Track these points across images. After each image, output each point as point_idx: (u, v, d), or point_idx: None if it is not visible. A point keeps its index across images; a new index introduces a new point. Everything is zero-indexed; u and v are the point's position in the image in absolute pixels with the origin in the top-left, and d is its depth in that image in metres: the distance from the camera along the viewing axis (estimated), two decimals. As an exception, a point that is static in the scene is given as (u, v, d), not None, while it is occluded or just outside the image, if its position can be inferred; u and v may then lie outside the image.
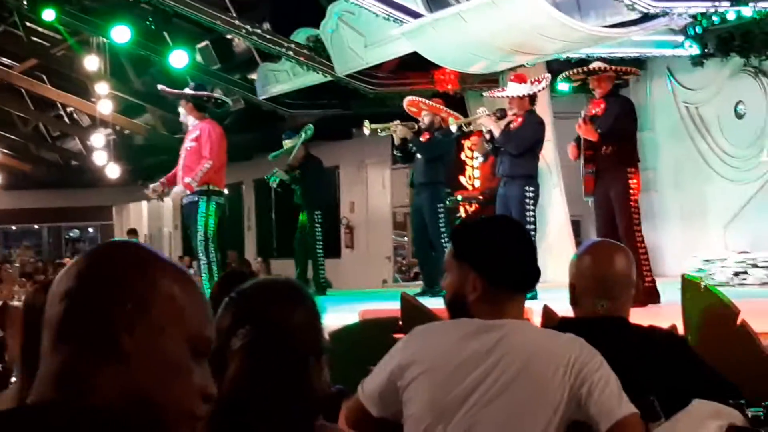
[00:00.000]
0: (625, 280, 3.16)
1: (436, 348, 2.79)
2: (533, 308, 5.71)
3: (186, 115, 9.63)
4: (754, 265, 10.29)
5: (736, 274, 10.39)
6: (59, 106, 23.11)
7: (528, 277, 2.85)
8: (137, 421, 1.38)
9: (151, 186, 9.88)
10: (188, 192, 9.40)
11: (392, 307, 6.31)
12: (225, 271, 4.55)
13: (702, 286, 4.81)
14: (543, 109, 10.34)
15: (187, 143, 9.51)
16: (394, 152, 10.78)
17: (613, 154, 8.11)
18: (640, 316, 3.30)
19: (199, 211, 9.37)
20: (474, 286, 2.80)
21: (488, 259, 2.83)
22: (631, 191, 8.09)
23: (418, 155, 10.43)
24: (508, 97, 9.29)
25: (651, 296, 7.73)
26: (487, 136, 9.52)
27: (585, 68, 8.54)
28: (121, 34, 14.38)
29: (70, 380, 1.38)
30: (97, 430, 1.35)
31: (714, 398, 2.61)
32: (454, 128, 10.41)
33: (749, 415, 2.12)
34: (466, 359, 2.72)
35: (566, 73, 8.86)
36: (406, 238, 18.24)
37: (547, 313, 4.92)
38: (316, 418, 2.16)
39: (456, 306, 2.87)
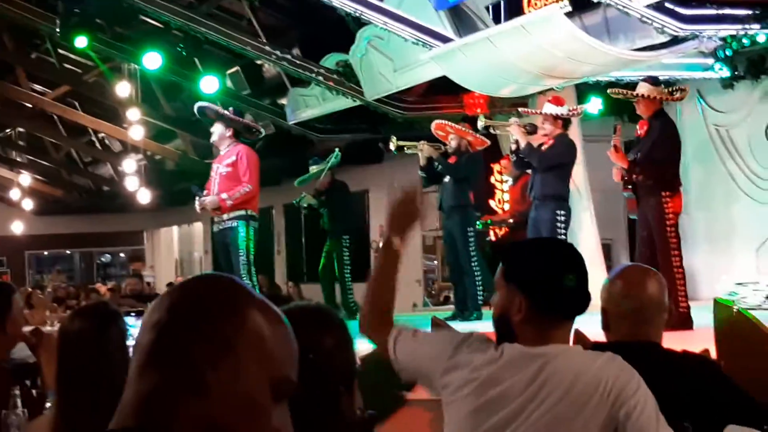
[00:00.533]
0: (657, 304, 3.15)
1: (483, 367, 2.80)
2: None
3: (221, 138, 9.64)
4: (788, 289, 10.21)
5: (769, 297, 10.31)
6: (91, 132, 23.30)
7: (575, 303, 2.84)
8: None
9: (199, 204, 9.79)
10: (220, 209, 9.41)
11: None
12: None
13: (734, 310, 4.79)
14: (573, 132, 10.32)
15: (222, 168, 9.52)
16: (419, 173, 10.78)
17: (647, 179, 8.05)
18: (672, 341, 3.28)
19: (240, 236, 9.40)
20: (519, 308, 2.81)
21: (535, 282, 2.83)
22: (667, 215, 7.98)
23: (446, 179, 10.43)
24: (542, 114, 9.27)
25: (685, 322, 7.68)
26: (513, 147, 9.53)
27: (633, 93, 8.37)
28: (152, 60, 14.52)
29: (152, 409, 1.41)
30: None
31: (747, 424, 2.61)
32: (480, 125, 10.39)
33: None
34: (510, 387, 2.73)
35: (614, 90, 8.76)
36: (435, 262, 18.22)
37: (579, 337, 4.91)
38: None
39: (502, 325, 2.88)
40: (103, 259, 29.61)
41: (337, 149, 12.35)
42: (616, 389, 2.66)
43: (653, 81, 8.54)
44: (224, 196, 9.34)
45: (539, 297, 2.80)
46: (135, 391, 1.43)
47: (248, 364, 1.43)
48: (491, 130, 11.00)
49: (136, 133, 18.31)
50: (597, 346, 3.33)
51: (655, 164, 8.08)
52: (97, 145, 24.42)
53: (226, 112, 9.84)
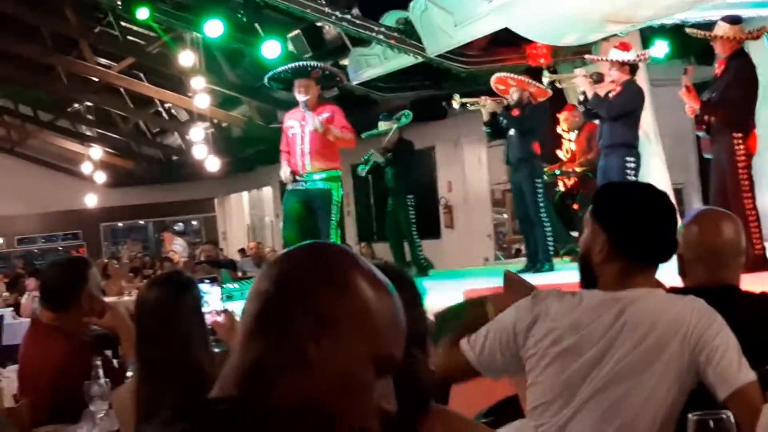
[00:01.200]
0: (734, 248, 3.10)
1: (562, 316, 2.78)
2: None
3: (314, 95, 9.58)
4: None
5: None
6: (157, 102, 23.51)
7: (657, 248, 2.82)
8: (311, 428, 1.41)
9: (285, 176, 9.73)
10: (325, 131, 9.37)
11: (495, 285, 6.30)
12: None
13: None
14: (640, 77, 10.16)
15: (314, 124, 9.39)
16: (483, 128, 10.71)
17: (719, 120, 7.90)
18: (749, 283, 3.23)
19: (333, 200, 9.43)
20: (602, 248, 2.80)
21: (618, 221, 2.82)
22: (738, 157, 7.82)
23: (511, 132, 10.35)
24: (609, 61, 9.13)
25: (761, 263, 7.56)
26: (581, 98, 9.44)
27: (711, 33, 8.18)
28: (213, 28, 14.56)
29: (254, 379, 1.43)
30: (273, 431, 1.40)
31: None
32: (545, 81, 10.30)
33: None
34: (592, 330, 2.72)
35: (691, 30, 8.56)
36: (505, 215, 18.16)
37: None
38: (427, 406, 2.15)
39: (584, 266, 2.87)
40: (176, 227, 29.95)
41: (407, 110, 12.33)
42: (697, 332, 2.64)
43: (731, 20, 8.29)
44: (336, 131, 9.40)
45: (621, 237, 2.78)
46: (239, 359, 1.45)
47: (352, 340, 1.42)
48: (557, 84, 10.89)
49: (202, 101, 18.41)
50: (673, 292, 3.30)
51: (728, 105, 7.90)
52: (164, 115, 24.64)
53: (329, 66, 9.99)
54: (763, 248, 7.85)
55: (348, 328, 1.41)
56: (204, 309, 3.57)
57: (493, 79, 10.77)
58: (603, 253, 2.79)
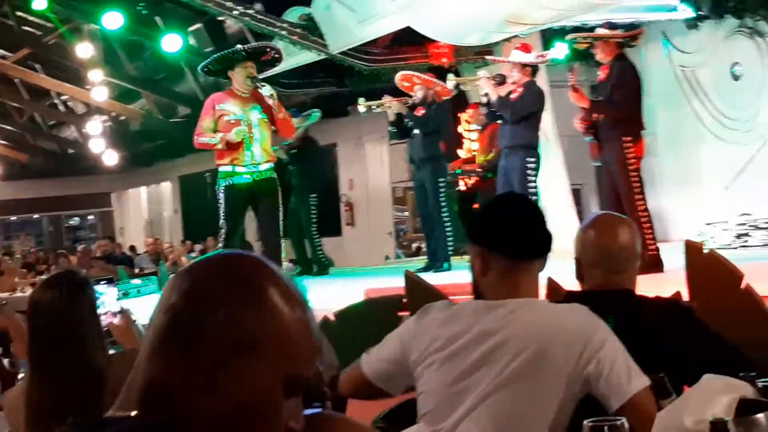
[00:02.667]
0: (629, 252, 3.14)
1: (447, 326, 2.79)
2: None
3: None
4: (756, 227, 10.29)
5: (738, 236, 10.39)
6: (54, 94, 23.05)
7: (529, 243, 2.83)
8: None
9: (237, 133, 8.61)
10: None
11: (396, 283, 6.33)
12: None
13: (705, 251, 4.81)
14: (540, 78, 10.29)
15: (260, 113, 8.73)
16: (389, 129, 10.74)
17: (609, 123, 8.03)
18: (644, 284, 3.28)
19: (279, 191, 8.91)
20: (478, 261, 2.82)
21: (485, 229, 2.85)
22: (629, 161, 7.96)
23: (415, 131, 10.39)
24: (511, 63, 9.24)
25: (655, 265, 7.71)
26: (484, 100, 9.52)
27: (591, 34, 8.41)
28: (112, 20, 14.33)
29: (156, 398, 1.35)
30: None
31: (725, 370, 2.60)
32: (450, 85, 10.36)
33: (759, 386, 2.11)
34: (473, 338, 2.72)
35: (573, 35, 8.74)
36: (406, 213, 18.24)
37: (552, 286, 4.92)
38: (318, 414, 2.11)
39: (475, 288, 2.89)
40: (71, 222, 29.42)
41: (316, 108, 12.29)
42: (581, 342, 2.62)
43: (610, 25, 8.54)
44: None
45: (484, 239, 2.82)
46: (142, 375, 1.37)
47: (264, 362, 1.35)
48: (461, 87, 10.97)
49: (100, 94, 18.12)
50: (570, 295, 3.34)
51: (615, 105, 8.05)
52: (61, 107, 24.18)
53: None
54: (657, 249, 8.01)
55: (261, 350, 1.35)
56: (100, 310, 3.50)
57: (398, 76, 10.79)
58: (479, 266, 2.82)
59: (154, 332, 1.38)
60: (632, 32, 8.56)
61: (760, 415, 1.81)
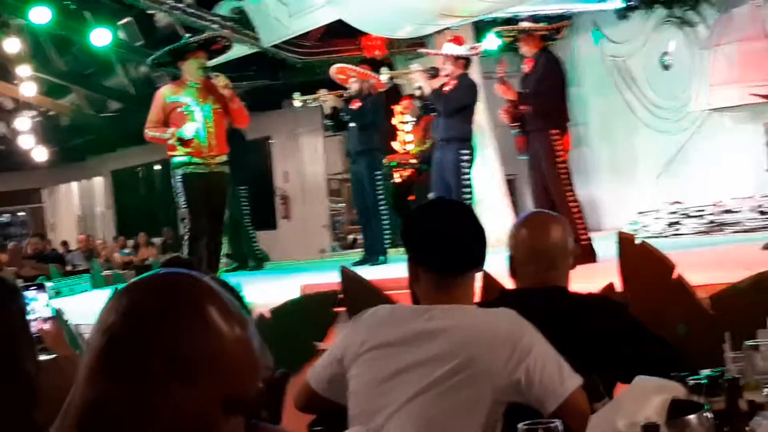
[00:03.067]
0: (562, 249, 3.16)
1: (377, 329, 2.78)
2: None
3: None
4: (687, 215, 10.43)
5: (670, 224, 10.52)
6: (-19, 89, 22.60)
7: (456, 259, 2.80)
8: None
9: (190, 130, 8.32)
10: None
11: (332, 277, 6.32)
12: (168, 258, 4.44)
13: (637, 242, 4.86)
14: (473, 70, 10.33)
15: (214, 104, 8.45)
16: (325, 122, 10.71)
17: (536, 115, 8.06)
18: (577, 275, 3.30)
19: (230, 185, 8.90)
20: (411, 268, 2.81)
21: (413, 241, 2.83)
22: (557, 153, 8.01)
23: (351, 124, 10.37)
24: (443, 55, 9.25)
25: (587, 255, 7.77)
26: (418, 93, 9.53)
27: (516, 27, 8.47)
28: (40, 14, 14.08)
29: (94, 421, 1.33)
30: None
31: (656, 366, 2.62)
32: (384, 78, 10.35)
33: (690, 384, 2.13)
34: (403, 341, 2.71)
35: (498, 28, 8.79)
36: (343, 205, 18.21)
37: (487, 280, 4.94)
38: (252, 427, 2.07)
39: (413, 297, 2.88)
40: (2, 218, 28.92)
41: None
42: (509, 346, 2.60)
43: (534, 18, 8.61)
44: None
45: (416, 254, 2.80)
46: (80, 396, 1.35)
47: (204, 383, 1.33)
48: (395, 81, 10.98)
49: (28, 89, 17.80)
50: (505, 293, 3.35)
51: (542, 97, 8.09)
52: (-12, 103, 23.73)
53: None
54: (589, 239, 8.07)
55: (200, 371, 1.32)
56: (30, 316, 3.43)
57: (333, 69, 10.75)
58: (411, 274, 2.82)
59: (91, 354, 1.36)
60: (556, 25, 8.62)
61: (692, 416, 1.82)
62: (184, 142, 8.20)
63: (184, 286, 1.38)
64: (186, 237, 8.33)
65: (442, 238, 2.78)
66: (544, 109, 8.05)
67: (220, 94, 8.35)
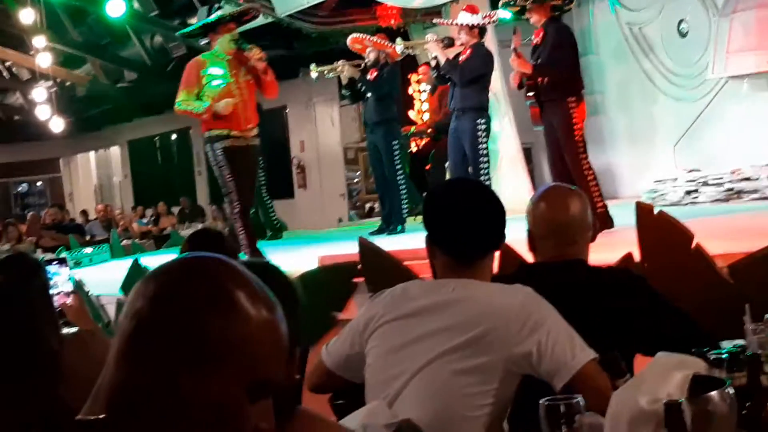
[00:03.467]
0: (581, 223, 3.15)
1: (394, 304, 2.81)
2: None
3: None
4: (705, 183, 10.39)
5: (688, 192, 10.48)
6: (-3, 61, 22.64)
7: (471, 245, 2.81)
8: None
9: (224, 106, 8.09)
10: None
11: (350, 248, 6.34)
12: (196, 231, 4.43)
13: (656, 212, 4.86)
14: (488, 39, 10.28)
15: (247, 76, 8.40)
16: (343, 92, 10.68)
17: (551, 85, 8.01)
18: (596, 246, 3.29)
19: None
20: (430, 250, 2.83)
21: (429, 221, 2.84)
22: (574, 121, 7.96)
23: (368, 94, 10.34)
24: (458, 25, 9.22)
25: (604, 222, 7.76)
26: (433, 63, 9.49)
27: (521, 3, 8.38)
28: (54, -15, 14.09)
29: (122, 403, 1.36)
30: None
31: (677, 339, 2.63)
32: (399, 49, 10.32)
33: (711, 359, 2.14)
34: (418, 312, 2.74)
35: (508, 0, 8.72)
36: (359, 173, 18.23)
37: (506, 251, 4.95)
38: (291, 412, 2.09)
39: (432, 269, 2.90)
40: (20, 189, 29.05)
41: None
42: (521, 321, 2.62)
43: None
44: None
45: (432, 235, 2.82)
46: (110, 379, 1.38)
47: (230, 368, 1.35)
48: (410, 51, 10.93)
49: (44, 60, 17.80)
50: (524, 267, 3.36)
51: (557, 67, 8.03)
52: (5, 73, 23.76)
53: None
54: (605, 206, 8.05)
55: (228, 356, 1.34)
56: (52, 291, 3.46)
57: (349, 39, 10.70)
58: (429, 250, 2.84)
59: (120, 337, 1.38)
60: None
61: (713, 393, 1.83)
62: (219, 116, 8.09)
63: (212, 269, 1.40)
64: (236, 210, 8.23)
65: (460, 225, 2.79)
66: (558, 79, 8.01)
67: (251, 66, 8.20)
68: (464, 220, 2.80)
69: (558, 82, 7.98)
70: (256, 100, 10.24)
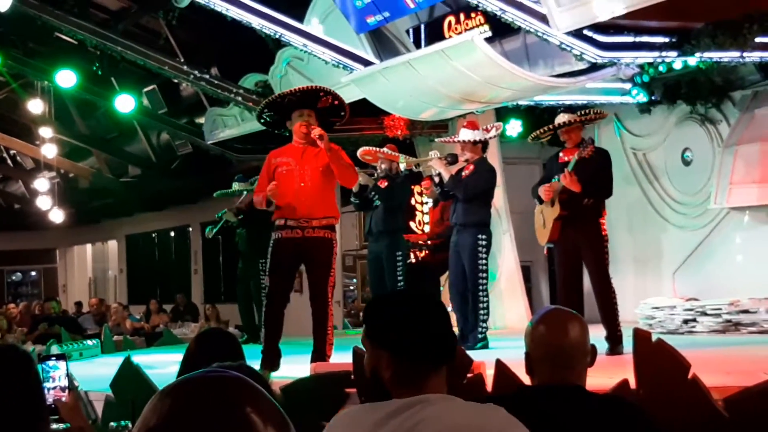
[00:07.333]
0: (580, 348, 3.11)
1: (363, 419, 2.69)
2: (485, 361, 5.67)
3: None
4: (703, 313, 10.32)
5: (686, 321, 10.41)
6: (2, 149, 22.81)
7: (435, 348, 2.74)
8: None
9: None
10: None
11: (343, 356, 6.27)
12: (204, 331, 4.30)
13: (653, 340, 4.81)
14: (492, 154, 10.37)
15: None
16: (351, 200, 10.66)
17: (592, 205, 8.10)
18: (593, 369, 3.22)
19: (333, 252, 8.05)
20: (386, 364, 2.72)
21: (391, 333, 2.75)
22: (605, 241, 8.13)
23: (378, 203, 10.34)
24: (460, 142, 9.31)
25: (619, 345, 7.78)
26: (436, 179, 9.53)
27: (552, 125, 8.46)
28: (66, 78, 14.24)
29: None
30: None
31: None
32: (402, 167, 10.38)
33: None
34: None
35: (535, 133, 8.75)
36: (355, 281, 18.17)
37: (501, 369, 4.88)
38: None
39: (375, 385, 2.78)
40: (14, 277, 28.97)
41: None
42: None
43: (569, 109, 8.64)
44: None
45: (397, 348, 2.72)
46: None
47: None
48: (413, 168, 11.01)
49: (49, 150, 17.94)
50: (522, 390, 3.30)
51: (602, 190, 8.20)
52: (9, 162, 23.93)
53: None
54: (621, 332, 8.01)
55: None
56: (49, 384, 3.41)
57: (360, 152, 10.74)
58: (390, 369, 2.72)
59: None
60: (594, 113, 8.56)
61: None
62: (273, 204, 7.80)
63: (226, 388, 1.38)
64: (263, 298, 8.17)
65: (420, 327, 2.71)
66: (601, 200, 8.17)
67: (326, 152, 7.70)
68: (428, 320, 2.72)
69: (595, 203, 8.06)
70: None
